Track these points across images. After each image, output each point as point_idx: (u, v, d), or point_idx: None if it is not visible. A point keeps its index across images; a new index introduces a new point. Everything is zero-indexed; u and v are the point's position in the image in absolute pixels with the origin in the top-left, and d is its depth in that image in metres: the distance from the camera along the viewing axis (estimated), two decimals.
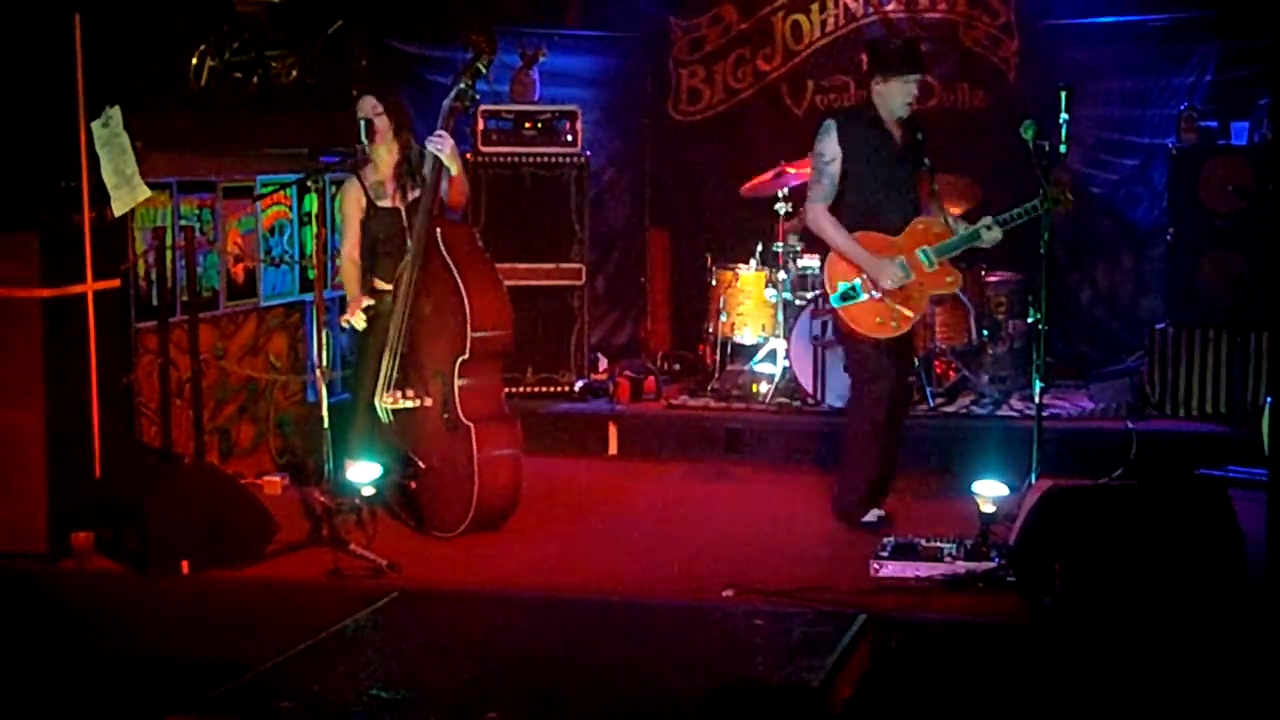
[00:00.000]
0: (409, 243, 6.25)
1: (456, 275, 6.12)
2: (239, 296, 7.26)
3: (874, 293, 6.08)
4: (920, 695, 4.91)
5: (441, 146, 6.18)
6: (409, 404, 6.20)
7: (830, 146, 6.10)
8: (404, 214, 6.37)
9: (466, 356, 6.12)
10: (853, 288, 6.10)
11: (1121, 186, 8.75)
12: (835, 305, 6.18)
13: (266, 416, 7.45)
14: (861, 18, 9.14)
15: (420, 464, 6.23)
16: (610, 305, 9.45)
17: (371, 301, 6.35)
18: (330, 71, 7.54)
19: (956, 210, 8.04)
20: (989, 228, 6.10)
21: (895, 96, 6.08)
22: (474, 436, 6.09)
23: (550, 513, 6.63)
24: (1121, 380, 7.90)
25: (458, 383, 6.13)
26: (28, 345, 5.79)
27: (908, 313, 6.12)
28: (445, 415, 6.14)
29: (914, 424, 7.67)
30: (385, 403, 6.23)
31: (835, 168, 6.11)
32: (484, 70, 6.26)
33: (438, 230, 6.18)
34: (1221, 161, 7.76)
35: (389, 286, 6.35)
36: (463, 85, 6.22)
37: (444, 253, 6.15)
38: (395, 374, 6.20)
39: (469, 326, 6.10)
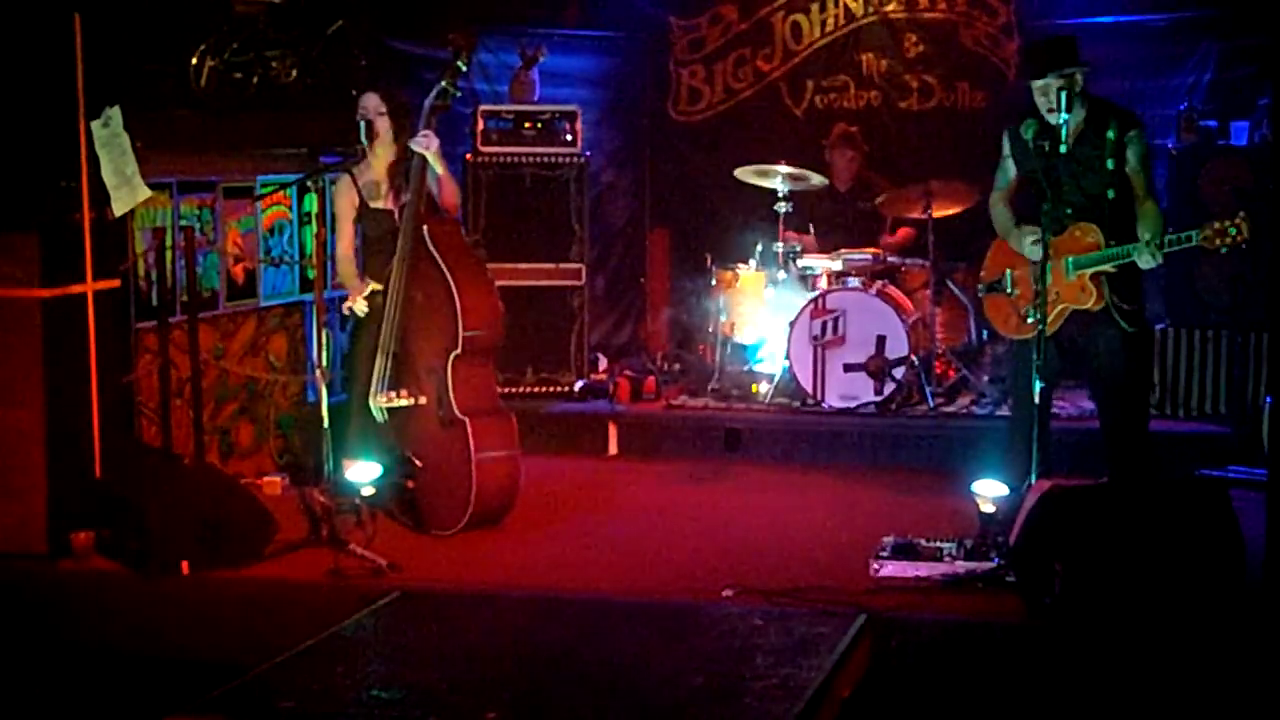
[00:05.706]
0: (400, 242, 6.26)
1: (446, 272, 6.13)
2: (239, 296, 7.26)
3: (1013, 290, 6.00)
4: (920, 695, 4.91)
5: (428, 145, 6.19)
6: (403, 403, 6.22)
7: (1004, 143, 6.11)
8: (397, 215, 6.36)
9: (459, 352, 6.12)
10: (1000, 280, 6.07)
11: None
12: (980, 293, 6.21)
13: (266, 416, 7.44)
14: (861, 18, 9.15)
15: (417, 463, 6.23)
16: (610, 305, 9.45)
17: (378, 286, 6.33)
18: (330, 71, 7.53)
19: (955, 209, 8.13)
20: (1148, 251, 5.57)
21: (1036, 98, 5.85)
22: (470, 432, 6.10)
23: (550, 512, 6.63)
24: None
25: (451, 379, 6.14)
26: (28, 345, 5.78)
27: (1032, 317, 5.81)
28: (440, 412, 6.15)
29: (914, 424, 7.71)
30: (380, 402, 6.24)
31: (1008, 163, 6.12)
32: (464, 68, 6.24)
33: (424, 228, 6.19)
34: (1221, 161, 7.76)
35: (379, 286, 6.34)
36: (443, 84, 6.21)
37: (432, 250, 6.17)
38: (389, 373, 6.22)
39: (460, 322, 6.11)
